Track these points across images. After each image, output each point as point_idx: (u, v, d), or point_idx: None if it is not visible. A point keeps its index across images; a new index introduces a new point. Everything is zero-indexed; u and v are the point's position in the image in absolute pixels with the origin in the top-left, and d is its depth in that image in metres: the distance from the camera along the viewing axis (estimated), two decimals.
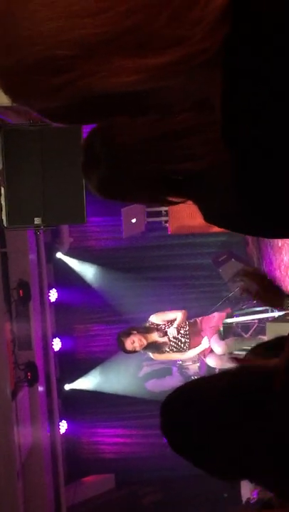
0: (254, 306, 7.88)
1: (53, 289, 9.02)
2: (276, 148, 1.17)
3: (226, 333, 7.39)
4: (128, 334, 6.68)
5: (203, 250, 9.38)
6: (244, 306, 8.13)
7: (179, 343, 6.97)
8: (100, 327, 9.73)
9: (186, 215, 8.14)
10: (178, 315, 6.95)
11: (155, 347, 6.86)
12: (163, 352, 6.97)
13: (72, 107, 1.15)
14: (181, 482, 8.91)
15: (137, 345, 6.63)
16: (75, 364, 9.53)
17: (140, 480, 9.33)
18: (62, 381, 9.18)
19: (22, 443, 7.35)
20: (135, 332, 6.70)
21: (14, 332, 7.70)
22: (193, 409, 1.48)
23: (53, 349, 8.81)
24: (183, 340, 6.98)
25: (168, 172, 1.37)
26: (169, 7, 1.00)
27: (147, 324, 6.96)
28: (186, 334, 7.00)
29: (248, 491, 7.27)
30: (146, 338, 6.72)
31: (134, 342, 6.60)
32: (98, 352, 9.56)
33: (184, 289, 9.43)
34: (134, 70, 1.05)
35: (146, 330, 6.83)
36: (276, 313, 6.89)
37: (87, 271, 9.42)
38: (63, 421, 8.97)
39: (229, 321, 7.43)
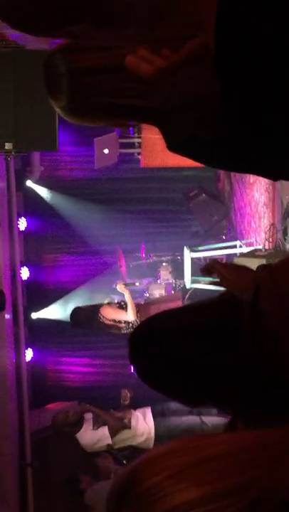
0: (223, 242, 7.92)
1: (22, 218, 8.94)
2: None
3: None
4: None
5: (175, 184, 9.33)
6: (213, 241, 8.16)
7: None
8: (68, 257, 9.74)
9: (158, 148, 8.05)
10: (129, 314, 6.53)
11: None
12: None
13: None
14: None
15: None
16: (43, 293, 9.55)
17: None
18: (29, 310, 9.20)
19: None
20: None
21: None
22: (162, 338, 1.49)
23: (21, 277, 8.80)
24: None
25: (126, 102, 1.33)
26: None
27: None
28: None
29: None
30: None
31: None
32: (66, 282, 9.58)
33: (154, 222, 9.43)
34: None
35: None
36: (244, 249, 6.93)
37: (57, 200, 9.34)
38: (29, 349, 9.05)
39: (196, 255, 7.42)
